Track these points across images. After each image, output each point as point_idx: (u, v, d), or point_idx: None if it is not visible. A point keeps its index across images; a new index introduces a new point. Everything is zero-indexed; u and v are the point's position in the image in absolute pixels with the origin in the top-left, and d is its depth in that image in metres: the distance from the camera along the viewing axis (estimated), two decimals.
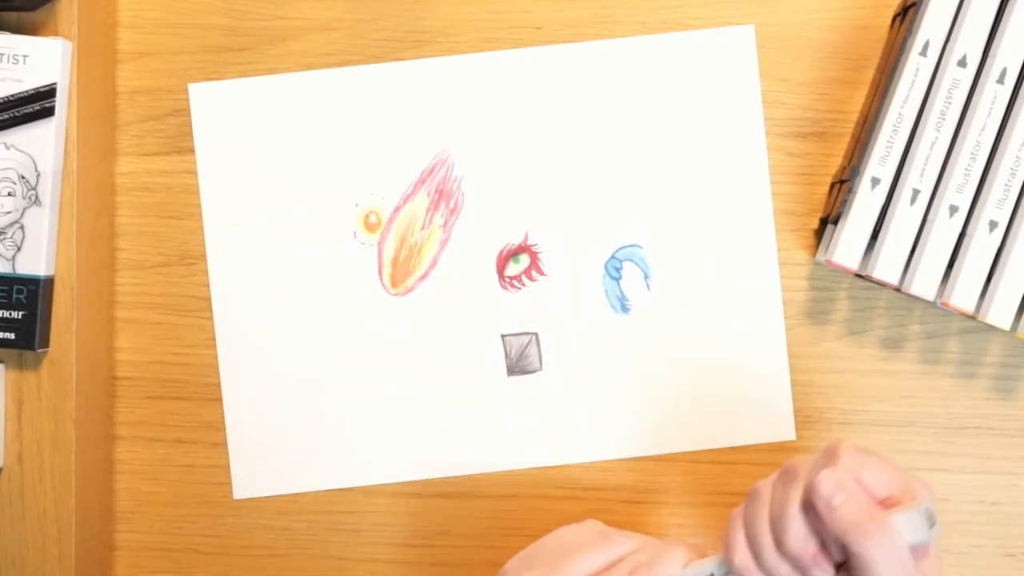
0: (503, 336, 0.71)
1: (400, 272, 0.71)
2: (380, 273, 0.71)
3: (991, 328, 0.64)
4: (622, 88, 0.70)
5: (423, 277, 0.71)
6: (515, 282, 0.71)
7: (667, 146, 0.70)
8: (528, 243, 0.71)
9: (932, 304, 0.64)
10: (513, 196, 0.71)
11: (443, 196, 0.71)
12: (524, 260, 0.71)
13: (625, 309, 0.70)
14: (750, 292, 0.70)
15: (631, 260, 0.70)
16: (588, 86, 0.70)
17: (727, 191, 0.70)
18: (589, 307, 0.70)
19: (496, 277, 0.71)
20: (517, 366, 0.71)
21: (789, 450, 0.69)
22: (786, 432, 0.70)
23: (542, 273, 0.71)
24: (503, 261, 0.71)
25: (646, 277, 0.70)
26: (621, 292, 0.70)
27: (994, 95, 0.62)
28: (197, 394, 0.71)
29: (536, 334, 0.71)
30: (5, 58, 0.65)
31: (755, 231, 0.70)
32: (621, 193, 0.70)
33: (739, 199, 0.70)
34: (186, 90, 0.71)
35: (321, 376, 0.71)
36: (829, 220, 0.66)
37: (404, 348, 0.71)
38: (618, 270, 0.70)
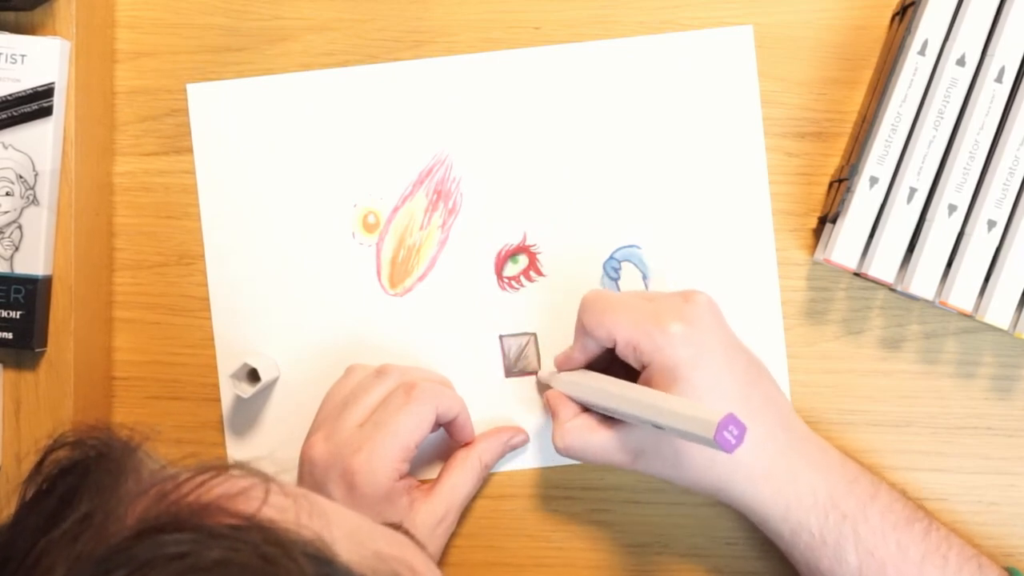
0: (501, 337, 0.71)
1: (399, 272, 0.71)
2: (379, 274, 0.71)
3: (990, 328, 0.64)
4: (620, 89, 0.70)
5: (422, 278, 0.71)
6: (513, 283, 0.71)
7: (665, 146, 0.70)
8: (527, 244, 0.71)
9: (931, 303, 0.64)
10: (511, 197, 0.71)
11: (441, 197, 0.71)
12: (523, 261, 0.71)
13: None
14: (748, 292, 0.69)
15: (629, 260, 0.70)
16: (586, 87, 0.70)
17: (725, 191, 0.70)
18: None
19: (494, 278, 0.71)
20: (515, 367, 0.71)
21: None
22: None
23: (540, 274, 0.71)
24: (502, 262, 0.71)
25: (645, 277, 0.70)
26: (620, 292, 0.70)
27: (992, 94, 0.62)
28: (195, 394, 0.71)
29: (535, 335, 0.71)
30: (3, 58, 0.65)
31: (753, 231, 0.70)
32: (620, 193, 0.70)
33: (737, 199, 0.70)
34: (184, 90, 0.71)
35: (320, 376, 0.70)
36: (827, 219, 0.66)
37: (402, 349, 0.71)
38: (616, 270, 0.70)
